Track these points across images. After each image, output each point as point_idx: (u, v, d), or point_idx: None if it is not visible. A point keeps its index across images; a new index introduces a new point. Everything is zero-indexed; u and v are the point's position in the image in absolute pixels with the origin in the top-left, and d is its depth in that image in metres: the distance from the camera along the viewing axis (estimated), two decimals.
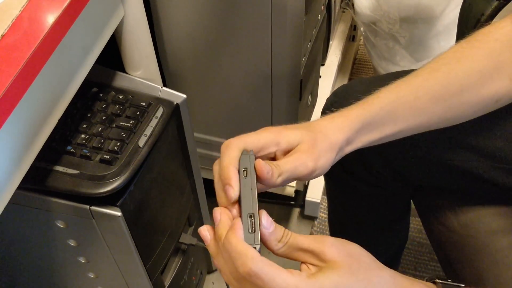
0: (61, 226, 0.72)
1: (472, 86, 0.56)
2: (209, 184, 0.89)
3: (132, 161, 0.68)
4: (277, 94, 0.99)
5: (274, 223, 0.44)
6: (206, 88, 1.04)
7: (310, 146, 0.51)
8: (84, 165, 0.67)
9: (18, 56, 0.49)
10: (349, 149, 0.55)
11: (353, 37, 1.79)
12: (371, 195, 0.86)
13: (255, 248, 0.42)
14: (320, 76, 1.40)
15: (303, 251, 0.43)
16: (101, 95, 0.75)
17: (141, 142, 0.70)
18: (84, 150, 0.68)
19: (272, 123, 1.06)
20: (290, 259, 0.45)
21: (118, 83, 0.78)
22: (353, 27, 1.75)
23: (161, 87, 0.77)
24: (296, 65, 0.96)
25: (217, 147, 1.10)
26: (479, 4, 0.76)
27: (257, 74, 0.96)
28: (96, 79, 0.77)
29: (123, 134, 0.70)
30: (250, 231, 0.43)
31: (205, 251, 1.10)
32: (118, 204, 0.67)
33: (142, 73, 0.79)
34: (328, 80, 1.48)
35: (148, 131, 0.72)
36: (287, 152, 0.52)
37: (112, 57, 0.77)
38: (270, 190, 1.28)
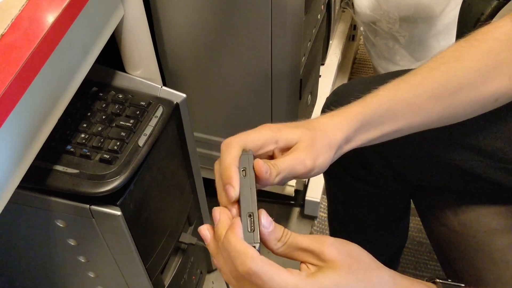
0: (61, 225, 0.72)
1: (471, 84, 0.56)
2: (209, 184, 0.89)
3: (132, 160, 0.68)
4: (277, 93, 0.99)
5: (273, 222, 0.44)
6: (206, 87, 1.04)
7: (308, 145, 0.51)
8: (84, 164, 0.67)
9: (18, 56, 0.49)
10: (348, 147, 0.55)
11: (353, 37, 1.79)
12: (371, 194, 0.86)
13: (254, 247, 0.42)
14: (320, 76, 1.40)
15: (303, 250, 0.43)
16: (101, 94, 0.75)
17: (141, 142, 0.70)
18: (84, 150, 0.68)
19: (272, 123, 1.06)
20: (289, 259, 0.45)
21: (118, 83, 0.78)
22: (353, 27, 1.75)
23: (161, 87, 0.77)
24: (296, 64, 0.96)
25: (217, 146, 1.11)
26: (478, 3, 0.76)
27: (257, 73, 0.96)
28: (96, 79, 0.77)
29: (123, 134, 0.70)
30: (249, 230, 0.43)
31: (205, 251, 1.10)
32: (118, 203, 0.67)
33: (142, 72, 0.79)
34: (328, 79, 1.48)
35: (148, 130, 0.72)
36: (285, 150, 0.52)
37: (112, 56, 0.77)
38: (270, 189, 1.28)
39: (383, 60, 1.54)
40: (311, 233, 1.36)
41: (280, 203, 1.40)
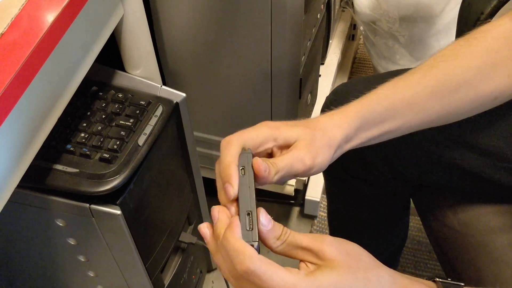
0: (60, 224, 0.72)
1: (470, 82, 0.56)
2: (208, 183, 0.90)
3: (132, 159, 0.68)
4: (277, 92, 0.99)
5: (272, 220, 0.44)
6: (205, 87, 1.04)
7: (308, 143, 0.51)
8: (83, 163, 0.67)
9: (17, 55, 0.49)
10: (348, 146, 0.55)
11: (353, 36, 1.79)
12: (371, 194, 0.86)
13: (252, 245, 0.42)
14: (319, 75, 1.40)
15: (302, 249, 0.43)
16: (101, 93, 0.75)
17: (140, 141, 0.70)
18: (84, 149, 0.68)
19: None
20: (288, 257, 0.45)
21: (117, 82, 0.78)
22: (353, 26, 1.75)
23: (161, 86, 0.77)
24: (296, 63, 0.96)
25: (216, 146, 1.11)
26: (478, 3, 0.76)
27: (257, 72, 0.96)
28: (95, 78, 0.77)
29: (122, 133, 0.70)
30: (248, 228, 0.43)
31: (205, 250, 1.10)
32: (117, 202, 0.67)
33: (141, 72, 0.79)
34: (327, 79, 1.48)
35: (148, 129, 0.72)
36: (284, 148, 0.52)
37: (112, 56, 0.77)
38: (269, 189, 1.28)
39: (383, 60, 1.54)
40: (311, 232, 1.36)
41: (280, 203, 1.40)
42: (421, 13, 1.37)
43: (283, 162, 0.50)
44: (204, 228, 0.47)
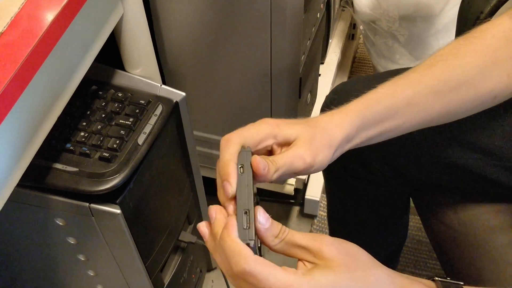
0: (60, 223, 0.72)
1: (470, 81, 0.56)
2: (208, 182, 0.90)
3: (132, 158, 0.68)
4: (277, 92, 0.99)
5: (270, 219, 0.44)
6: (205, 86, 1.04)
7: (308, 141, 0.51)
8: (83, 162, 0.67)
9: (17, 54, 0.49)
10: (349, 146, 0.55)
11: (353, 36, 1.79)
12: (370, 193, 0.86)
13: (248, 244, 0.42)
14: (319, 75, 1.40)
15: (301, 248, 0.43)
16: (101, 93, 0.75)
17: (140, 140, 0.70)
18: (84, 148, 0.68)
19: None
20: (287, 256, 0.45)
21: (117, 81, 0.78)
22: (353, 26, 1.75)
23: (160, 85, 0.77)
24: (295, 63, 0.96)
25: (216, 145, 1.11)
26: (478, 2, 0.76)
27: (257, 72, 0.96)
28: (95, 77, 0.77)
29: (122, 132, 0.70)
30: (245, 227, 0.43)
31: (204, 249, 1.10)
32: (117, 201, 0.67)
33: (141, 71, 0.79)
34: (327, 78, 1.48)
35: (148, 129, 0.72)
36: (284, 145, 0.52)
37: (112, 55, 0.77)
38: (269, 188, 1.28)
39: (383, 59, 1.54)
40: (310, 231, 1.36)
41: (280, 202, 1.40)
42: (421, 13, 1.37)
43: (282, 159, 0.50)
44: (203, 227, 0.47)
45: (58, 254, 0.83)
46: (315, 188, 1.33)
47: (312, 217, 1.40)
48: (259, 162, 0.47)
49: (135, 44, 0.76)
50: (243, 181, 0.46)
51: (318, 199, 1.32)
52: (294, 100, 1.04)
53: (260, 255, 0.46)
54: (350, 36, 1.78)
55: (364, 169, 0.80)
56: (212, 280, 1.25)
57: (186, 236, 0.93)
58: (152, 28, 0.93)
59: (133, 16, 0.72)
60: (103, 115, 0.72)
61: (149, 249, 0.81)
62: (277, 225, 0.44)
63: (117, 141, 0.68)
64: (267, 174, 0.47)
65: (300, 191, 1.36)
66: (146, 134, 0.71)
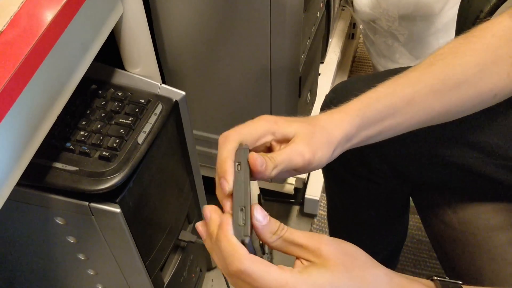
0: (60, 222, 0.72)
1: (470, 80, 0.56)
2: (208, 182, 0.89)
3: (131, 158, 0.68)
4: (276, 91, 0.99)
5: (268, 216, 0.44)
6: (205, 85, 1.04)
7: (307, 138, 0.51)
8: (83, 161, 0.67)
9: (16, 53, 0.49)
10: (348, 145, 0.55)
11: (353, 35, 1.79)
12: (370, 192, 0.86)
13: (244, 240, 0.41)
14: (319, 74, 1.40)
15: (299, 246, 0.43)
16: (100, 92, 0.75)
17: (140, 139, 0.70)
18: (83, 147, 0.68)
19: None
20: (285, 253, 0.45)
21: (117, 80, 0.78)
22: (353, 25, 1.75)
23: (160, 84, 0.77)
24: (295, 62, 0.96)
25: (216, 144, 1.10)
26: (477, 1, 0.76)
27: (256, 71, 0.96)
28: (95, 76, 0.77)
29: (122, 131, 0.70)
30: (241, 223, 0.43)
31: (204, 249, 1.10)
32: (117, 200, 0.67)
33: (141, 70, 0.79)
34: (327, 77, 1.48)
35: (147, 128, 0.72)
36: (283, 142, 0.52)
37: (111, 54, 0.77)
38: (269, 187, 1.28)
39: (383, 58, 1.54)
40: (310, 231, 1.36)
41: (280, 201, 1.40)
42: (421, 12, 1.37)
43: (281, 156, 0.49)
44: (201, 226, 0.47)
45: (58, 253, 0.83)
46: (315, 188, 1.33)
47: (312, 216, 1.40)
48: (256, 158, 0.47)
49: (135, 43, 0.76)
50: (240, 178, 0.46)
51: (318, 198, 1.32)
52: (294, 99, 1.04)
53: (264, 253, 0.46)
54: (350, 35, 1.78)
55: (364, 168, 0.80)
56: (212, 280, 1.25)
57: (186, 235, 0.93)
58: (152, 27, 0.93)
59: (132, 15, 0.72)
60: (103, 114, 0.72)
61: (149, 248, 0.81)
62: (275, 222, 0.44)
63: (117, 140, 0.68)
64: (265, 170, 0.47)
65: (300, 190, 1.36)
66: (146, 133, 0.71)
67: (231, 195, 0.46)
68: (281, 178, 0.50)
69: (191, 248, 1.00)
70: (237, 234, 0.42)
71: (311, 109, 1.30)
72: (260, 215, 0.43)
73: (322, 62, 1.52)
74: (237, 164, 0.47)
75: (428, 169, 0.76)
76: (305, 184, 1.32)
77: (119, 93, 0.75)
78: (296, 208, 1.42)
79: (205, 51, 0.98)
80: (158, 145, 0.74)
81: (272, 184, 1.24)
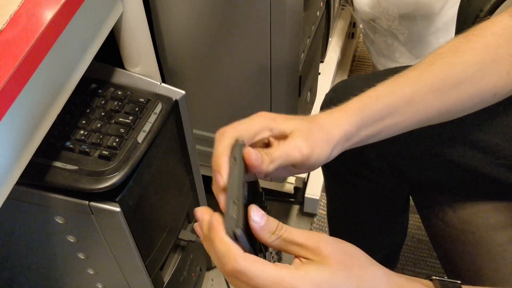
0: (60, 222, 0.72)
1: (470, 78, 0.56)
2: (208, 181, 0.89)
3: (131, 157, 0.68)
4: (276, 90, 0.99)
5: (265, 216, 0.43)
6: (205, 84, 1.04)
7: (305, 134, 0.51)
8: (83, 161, 0.67)
9: (16, 52, 0.49)
10: (348, 144, 0.55)
11: (353, 34, 1.79)
12: (370, 191, 0.86)
13: (236, 232, 0.41)
14: (319, 73, 1.40)
15: (298, 245, 0.43)
16: (100, 91, 0.75)
17: (140, 138, 0.70)
18: (83, 146, 0.68)
19: None
20: (284, 252, 0.45)
21: (117, 80, 0.78)
22: (353, 24, 1.75)
23: (160, 83, 0.77)
24: (295, 61, 0.96)
25: None
26: (477, 0, 0.76)
27: (256, 70, 0.96)
28: (95, 76, 0.77)
29: (122, 130, 0.70)
30: (233, 216, 0.42)
31: (204, 248, 1.10)
32: (117, 199, 0.67)
33: (141, 69, 0.79)
34: (327, 77, 1.48)
35: (147, 127, 0.72)
36: (281, 139, 0.52)
37: (111, 53, 0.77)
38: (269, 187, 1.27)
39: (383, 58, 1.54)
40: (310, 230, 1.36)
41: (280, 201, 1.40)
42: (421, 11, 1.37)
43: (278, 151, 0.49)
44: (199, 227, 0.47)
45: (58, 252, 0.83)
46: (315, 187, 1.33)
47: (312, 215, 1.40)
48: (251, 153, 0.46)
49: (135, 42, 0.76)
50: (235, 172, 0.46)
51: (318, 197, 1.32)
52: (294, 98, 1.04)
53: (266, 251, 0.45)
54: (350, 34, 1.78)
55: (364, 167, 0.80)
56: (212, 279, 1.25)
57: (186, 235, 0.93)
58: (151, 26, 0.93)
59: (132, 14, 0.72)
60: (103, 113, 0.72)
61: (149, 247, 0.81)
62: (273, 222, 0.44)
63: (117, 139, 0.68)
64: (261, 165, 0.47)
65: (300, 189, 1.36)
66: (146, 132, 0.71)
67: (226, 189, 0.46)
68: (280, 177, 0.50)
69: (191, 248, 1.00)
70: (228, 226, 0.42)
71: (311, 109, 1.30)
72: (257, 216, 0.43)
73: (322, 61, 1.52)
74: (233, 158, 0.47)
75: (428, 168, 0.76)
76: (305, 183, 1.32)
77: (119, 92, 0.75)
78: (296, 208, 1.42)
79: (205, 50, 0.98)
80: (158, 144, 0.74)
81: (272, 183, 1.24)
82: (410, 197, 0.90)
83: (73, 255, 0.80)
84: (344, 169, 0.84)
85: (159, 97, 0.76)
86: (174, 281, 0.94)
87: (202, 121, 1.13)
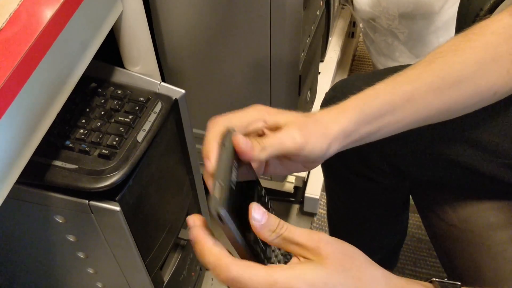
0: (60, 221, 0.72)
1: (470, 77, 0.56)
2: None
3: (131, 156, 0.68)
4: (276, 89, 0.99)
5: (266, 214, 0.43)
6: (205, 83, 1.04)
7: (299, 124, 0.50)
8: (82, 160, 0.67)
9: (16, 50, 0.49)
10: (348, 141, 0.54)
11: (353, 34, 1.79)
12: (370, 190, 0.86)
13: (219, 213, 0.40)
14: (319, 72, 1.40)
15: (298, 245, 0.43)
16: (100, 90, 0.75)
17: (139, 137, 0.70)
18: (83, 145, 0.68)
19: None
20: (283, 250, 0.45)
21: (116, 79, 0.78)
22: (353, 24, 1.75)
23: (160, 83, 0.77)
24: (295, 60, 0.96)
25: None
26: None
27: (256, 69, 0.96)
28: (94, 75, 0.77)
29: (121, 129, 0.70)
30: (216, 197, 0.41)
31: None
32: (117, 199, 0.67)
33: (140, 68, 0.79)
34: (327, 76, 1.48)
35: (147, 126, 0.72)
36: (275, 131, 0.51)
37: (111, 52, 0.77)
38: (269, 186, 1.27)
39: (383, 57, 1.54)
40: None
41: (280, 200, 1.40)
42: (421, 10, 1.37)
43: (270, 138, 0.49)
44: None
45: (58, 251, 0.82)
46: (315, 186, 1.33)
47: (311, 215, 1.40)
48: (239, 137, 0.46)
49: (135, 42, 0.76)
50: (222, 157, 0.45)
51: (318, 197, 1.32)
52: (294, 97, 1.04)
53: (266, 248, 0.45)
54: (350, 34, 1.78)
55: (364, 166, 0.80)
56: (212, 278, 1.25)
57: (186, 234, 0.93)
58: (151, 26, 0.93)
59: (132, 13, 0.72)
60: (103, 113, 0.72)
61: (149, 246, 0.81)
62: (275, 220, 0.43)
63: (117, 139, 0.68)
64: (250, 151, 0.46)
65: (300, 189, 1.36)
66: (146, 131, 0.71)
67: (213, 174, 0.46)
68: (279, 174, 0.50)
69: (191, 247, 0.99)
70: (212, 207, 0.41)
71: (311, 108, 1.30)
72: (257, 214, 0.43)
73: (322, 61, 1.52)
74: (222, 145, 0.47)
75: (428, 168, 0.76)
76: (305, 182, 1.32)
77: (119, 91, 0.75)
78: (296, 207, 1.42)
79: (205, 50, 0.98)
80: (157, 144, 0.74)
81: (272, 183, 1.23)
82: (410, 196, 0.90)
83: (73, 255, 0.80)
84: (344, 168, 0.84)
85: (159, 96, 0.76)
86: (174, 280, 0.94)
87: (202, 120, 1.12)
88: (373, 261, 0.44)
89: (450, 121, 0.61)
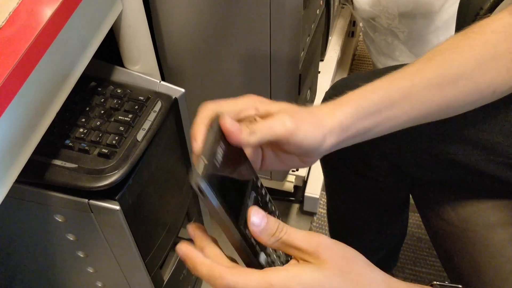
0: (59, 220, 0.72)
1: (468, 74, 0.56)
2: None
3: (131, 155, 0.68)
4: (276, 88, 0.99)
5: (266, 217, 0.43)
6: (204, 82, 1.04)
7: (291, 111, 0.50)
8: (82, 159, 0.67)
9: (15, 49, 0.49)
10: (345, 136, 0.53)
11: (352, 33, 1.79)
12: (370, 190, 0.86)
13: (199, 185, 0.40)
14: (319, 72, 1.40)
15: (297, 249, 0.43)
16: (100, 89, 0.75)
17: (139, 136, 0.70)
18: (83, 144, 0.68)
19: None
20: (283, 252, 0.45)
21: (116, 78, 0.78)
22: (352, 23, 1.75)
23: (160, 82, 0.77)
24: (295, 59, 0.96)
25: None
26: None
27: (256, 68, 0.96)
28: (94, 74, 0.77)
29: (121, 128, 0.70)
30: (197, 171, 0.41)
31: None
32: (116, 198, 0.67)
33: (140, 67, 0.79)
34: (327, 75, 1.48)
35: (147, 125, 0.72)
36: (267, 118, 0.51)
37: (111, 51, 0.77)
38: (269, 186, 1.27)
39: (383, 56, 1.54)
40: (310, 229, 1.36)
41: (280, 199, 1.40)
42: (421, 10, 1.37)
43: (261, 123, 0.49)
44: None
45: (57, 251, 0.82)
46: (315, 186, 1.33)
47: (311, 214, 1.40)
48: (225, 118, 0.46)
49: (134, 41, 0.76)
50: (209, 138, 0.45)
51: (317, 196, 1.32)
52: (294, 96, 1.04)
53: (265, 248, 0.45)
54: (350, 33, 1.78)
55: (364, 165, 0.80)
56: None
57: (185, 233, 0.93)
58: (151, 25, 0.93)
59: (132, 12, 0.72)
60: (102, 112, 0.72)
61: (149, 245, 0.80)
62: (274, 223, 0.43)
63: (116, 138, 0.68)
64: (238, 133, 0.46)
65: (300, 188, 1.36)
66: (145, 130, 0.71)
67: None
68: (277, 170, 0.50)
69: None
70: (193, 181, 0.40)
71: None
72: (256, 219, 0.42)
73: (322, 60, 1.52)
74: (210, 127, 0.46)
75: (428, 167, 0.76)
76: (304, 182, 1.32)
77: (119, 90, 0.75)
78: (296, 206, 1.42)
79: (205, 48, 0.98)
80: (157, 143, 0.74)
81: (272, 182, 1.23)
82: (410, 196, 0.90)
83: (73, 254, 0.80)
84: (344, 167, 0.84)
85: (159, 95, 0.76)
86: (174, 279, 0.94)
87: None
88: (374, 265, 0.43)
89: (450, 120, 0.61)
